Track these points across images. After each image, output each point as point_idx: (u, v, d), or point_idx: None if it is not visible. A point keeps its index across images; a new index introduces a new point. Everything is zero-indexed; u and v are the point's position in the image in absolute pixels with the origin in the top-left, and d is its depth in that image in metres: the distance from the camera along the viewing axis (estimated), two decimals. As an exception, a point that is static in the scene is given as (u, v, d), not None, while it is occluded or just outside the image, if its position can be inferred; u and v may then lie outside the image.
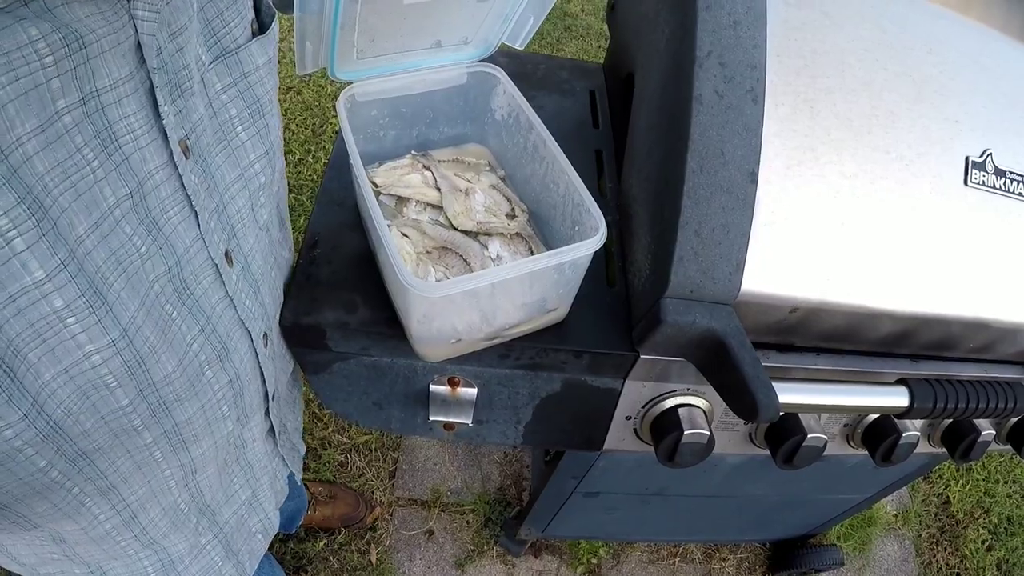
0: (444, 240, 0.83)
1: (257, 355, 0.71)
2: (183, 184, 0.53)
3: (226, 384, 0.65)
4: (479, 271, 0.76)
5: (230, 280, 0.62)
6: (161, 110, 0.49)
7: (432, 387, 0.87)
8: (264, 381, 0.75)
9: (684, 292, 0.74)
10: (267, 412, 0.81)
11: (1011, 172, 0.83)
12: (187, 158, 0.53)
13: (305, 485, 1.73)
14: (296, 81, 2.77)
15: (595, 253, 0.71)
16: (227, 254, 0.62)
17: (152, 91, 0.48)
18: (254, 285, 0.68)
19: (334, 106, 2.71)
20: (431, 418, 0.89)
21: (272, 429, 0.85)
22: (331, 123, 2.67)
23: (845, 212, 0.77)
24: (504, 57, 1.24)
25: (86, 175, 0.44)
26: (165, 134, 0.50)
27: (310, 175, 2.48)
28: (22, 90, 0.38)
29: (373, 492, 1.93)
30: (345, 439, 2.00)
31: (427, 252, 0.82)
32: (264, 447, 0.85)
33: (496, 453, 2.06)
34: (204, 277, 0.59)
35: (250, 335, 0.68)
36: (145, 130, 0.48)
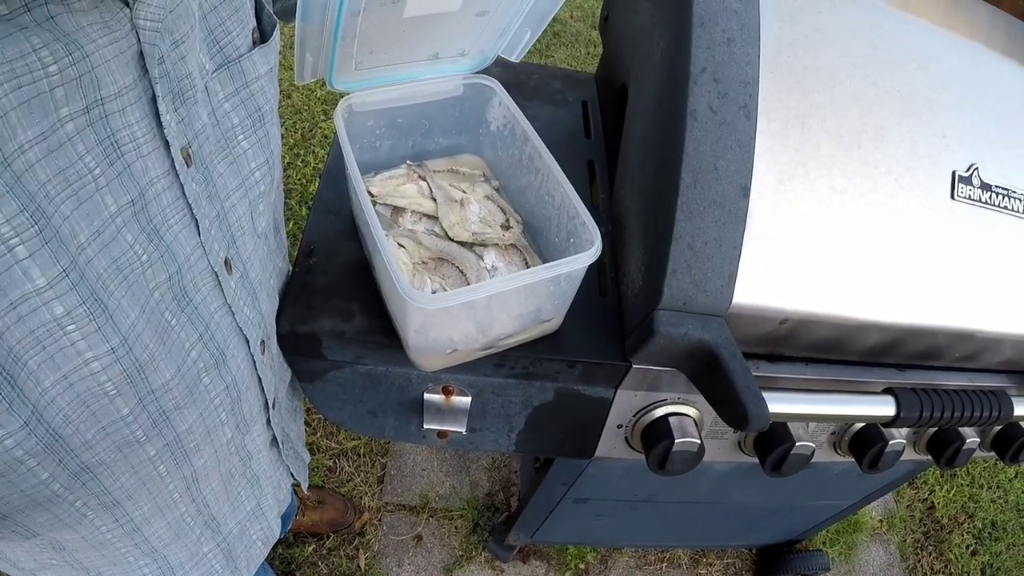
0: (440, 251, 0.83)
1: (254, 362, 0.71)
2: (184, 192, 0.53)
3: (223, 391, 0.65)
4: (476, 282, 0.77)
5: (229, 287, 0.62)
6: (163, 119, 0.49)
7: (427, 396, 0.87)
8: (263, 389, 0.75)
9: (677, 304, 0.75)
10: (268, 422, 0.81)
11: (996, 186, 0.85)
12: (189, 166, 0.53)
13: (294, 490, 1.72)
14: (286, 85, 2.76)
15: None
16: (227, 262, 0.62)
17: (154, 100, 0.48)
18: (252, 292, 0.68)
19: (323, 110, 2.71)
20: (425, 426, 0.89)
21: (275, 439, 0.85)
22: (320, 127, 2.66)
23: (835, 226, 0.79)
24: (497, 67, 1.24)
25: (87, 183, 0.44)
26: (167, 142, 0.50)
27: (299, 179, 2.48)
28: (24, 98, 0.38)
29: (361, 497, 1.93)
30: (334, 444, 2.00)
31: (423, 262, 0.82)
32: (269, 457, 0.85)
33: (484, 459, 2.06)
34: (203, 285, 0.59)
35: (247, 342, 0.68)
36: (148, 138, 0.48)
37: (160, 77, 0.48)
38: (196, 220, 0.56)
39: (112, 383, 0.50)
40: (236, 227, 0.63)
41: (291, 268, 0.89)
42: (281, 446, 0.88)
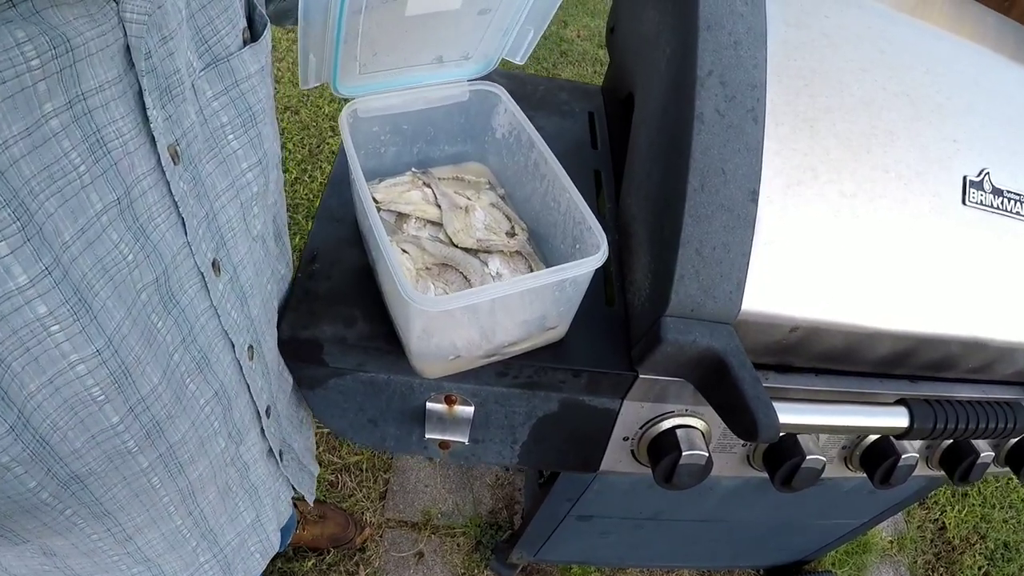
0: (444, 256, 0.82)
1: (241, 368, 0.70)
2: (171, 190, 0.53)
3: (212, 397, 0.64)
4: (479, 287, 0.76)
5: (216, 290, 0.61)
6: (149, 114, 0.49)
7: (429, 405, 0.86)
8: (252, 397, 0.74)
9: (684, 311, 0.74)
10: (262, 431, 0.79)
11: (1008, 191, 0.84)
12: (176, 164, 0.53)
13: (294, 504, 1.71)
14: (294, 101, 2.78)
15: (594, 272, 0.71)
16: (215, 263, 0.61)
17: (141, 94, 0.48)
18: (241, 296, 0.67)
19: (331, 126, 2.72)
20: (427, 436, 0.88)
21: (271, 450, 0.84)
22: (328, 143, 2.67)
23: (845, 231, 0.78)
24: (504, 78, 1.24)
25: (72, 180, 0.43)
26: (153, 139, 0.50)
27: (306, 194, 2.48)
28: (8, 93, 0.38)
29: (363, 513, 1.91)
30: (336, 459, 1.98)
31: (427, 268, 0.82)
32: (266, 468, 0.83)
33: (488, 476, 2.04)
34: (190, 286, 0.58)
35: (233, 346, 0.67)
36: (133, 134, 0.48)
37: (147, 72, 0.48)
38: (183, 219, 0.55)
39: (99, 387, 0.49)
40: (226, 228, 0.62)
41: (294, 275, 0.88)
42: (280, 457, 0.87)
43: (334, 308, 0.83)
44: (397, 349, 0.80)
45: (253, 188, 0.65)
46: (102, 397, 0.50)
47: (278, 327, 0.80)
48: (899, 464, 0.91)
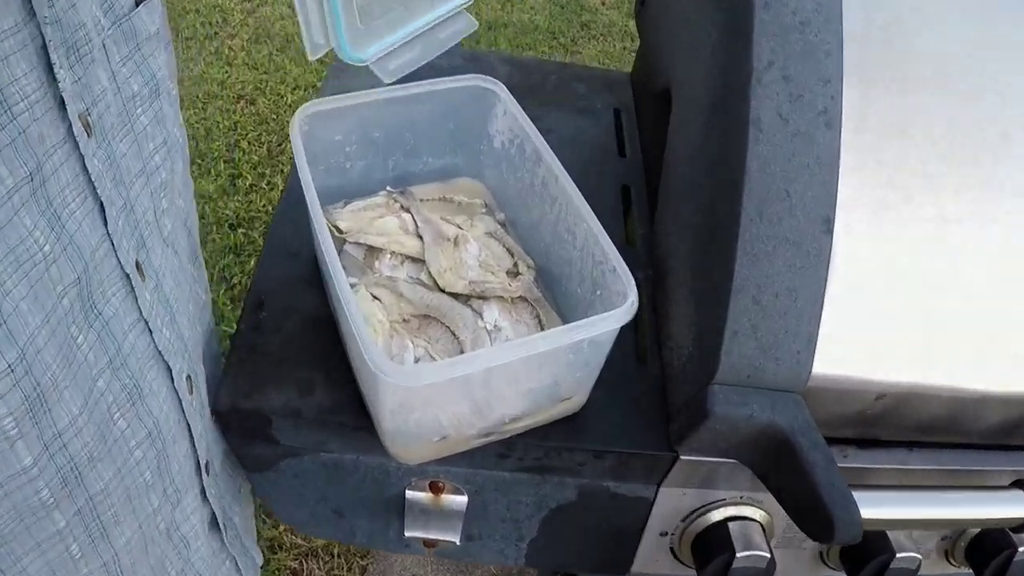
0: (426, 305, 0.81)
1: (180, 403, 0.70)
2: (85, 167, 0.53)
3: (144, 438, 0.64)
4: (472, 348, 0.76)
5: (144, 298, 0.62)
6: (57, 73, 0.49)
7: (409, 493, 0.85)
8: (194, 443, 0.74)
9: (738, 376, 0.73)
10: (204, 492, 0.79)
11: None
12: (89, 136, 0.53)
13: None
14: (249, 88, 2.79)
15: (622, 323, 0.70)
16: (138, 265, 0.61)
17: (45, 49, 0.48)
18: (170, 311, 0.68)
19: (295, 120, 2.73)
20: (407, 533, 0.87)
21: (215, 519, 0.83)
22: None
23: (946, 268, 0.77)
24: (506, 64, 1.23)
25: None
26: (62, 103, 0.50)
27: (264, 206, 2.49)
28: None
29: (335, 609, 1.89)
30: (301, 541, 1.99)
31: (404, 320, 0.80)
32: (209, 547, 0.83)
33: (493, 557, 2.02)
34: (113, 293, 0.58)
35: (170, 372, 0.67)
36: (39, 96, 0.48)
37: (50, 20, 0.48)
38: (101, 204, 0.55)
39: (12, 418, 0.49)
40: (144, 224, 0.63)
41: (236, 326, 0.87)
42: (224, 531, 0.86)
43: (286, 370, 0.82)
44: (367, 423, 0.78)
45: (161, 174, 0.67)
46: (15, 431, 0.49)
47: (216, 394, 0.79)
48: (1015, 559, 0.90)
